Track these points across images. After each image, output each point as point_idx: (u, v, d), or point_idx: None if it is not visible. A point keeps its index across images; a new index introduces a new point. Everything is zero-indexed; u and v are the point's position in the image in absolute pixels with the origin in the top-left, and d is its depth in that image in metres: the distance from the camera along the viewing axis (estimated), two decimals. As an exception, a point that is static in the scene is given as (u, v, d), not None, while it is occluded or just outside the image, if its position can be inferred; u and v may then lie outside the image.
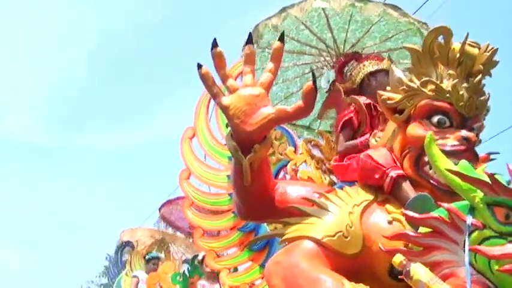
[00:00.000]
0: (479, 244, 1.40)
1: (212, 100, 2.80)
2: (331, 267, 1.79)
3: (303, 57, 3.09)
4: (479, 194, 1.44)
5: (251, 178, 1.87)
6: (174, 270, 5.76)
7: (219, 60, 1.80)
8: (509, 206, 1.38)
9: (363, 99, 2.54)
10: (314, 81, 1.75)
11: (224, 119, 2.77)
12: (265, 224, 2.54)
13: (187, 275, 5.53)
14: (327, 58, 2.99)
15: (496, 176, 1.40)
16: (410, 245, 1.61)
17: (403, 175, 1.95)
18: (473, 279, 1.39)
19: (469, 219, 1.43)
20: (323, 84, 2.76)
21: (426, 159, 1.91)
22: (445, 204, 1.51)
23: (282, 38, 1.82)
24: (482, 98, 1.92)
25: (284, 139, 2.58)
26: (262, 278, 2.55)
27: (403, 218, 1.86)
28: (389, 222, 1.87)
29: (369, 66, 2.65)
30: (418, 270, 1.45)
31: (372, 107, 2.49)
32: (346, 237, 1.83)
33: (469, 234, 1.41)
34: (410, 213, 1.59)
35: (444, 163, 1.53)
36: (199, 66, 1.79)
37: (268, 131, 1.89)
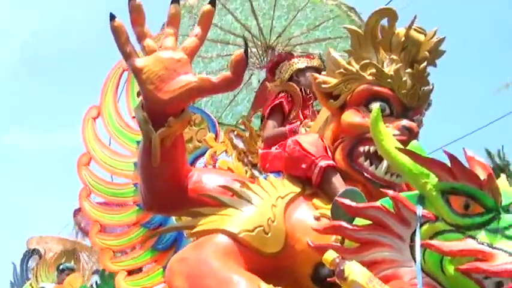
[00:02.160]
0: (430, 239, 1.17)
1: (122, 77, 2.51)
2: (247, 267, 1.51)
3: (228, 48, 2.88)
4: (432, 180, 1.21)
5: (161, 158, 1.58)
6: (82, 282, 5.25)
7: (137, 14, 1.53)
8: (470, 194, 1.15)
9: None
10: (246, 50, 1.50)
11: (136, 98, 2.43)
12: (173, 218, 2.22)
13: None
14: (253, 49, 2.79)
15: (456, 157, 1.18)
16: (346, 242, 1.37)
17: (334, 166, 1.73)
18: (422, 282, 1.16)
19: (419, 210, 1.19)
20: (254, 83, 2.57)
21: (361, 149, 1.71)
22: (390, 192, 1.28)
23: (213, 2, 1.56)
24: (426, 88, 1.75)
25: (204, 124, 2.29)
26: (165, 282, 2.21)
27: None
28: (317, 219, 1.63)
29: (298, 63, 2.55)
30: (354, 270, 1.19)
31: (304, 91, 2.29)
32: (267, 233, 1.56)
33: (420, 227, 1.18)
34: (347, 201, 1.34)
35: (391, 143, 1.30)
36: (112, 17, 1.51)
37: (187, 102, 1.60)
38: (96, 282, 5.30)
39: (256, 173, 2.26)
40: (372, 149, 1.69)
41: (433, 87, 1.77)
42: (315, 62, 2.54)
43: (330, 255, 1.28)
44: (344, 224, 1.32)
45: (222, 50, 2.89)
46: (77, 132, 2.46)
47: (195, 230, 1.60)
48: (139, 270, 2.39)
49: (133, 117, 2.28)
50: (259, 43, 2.79)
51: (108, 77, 2.50)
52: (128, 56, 1.51)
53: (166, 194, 1.75)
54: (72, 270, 6.50)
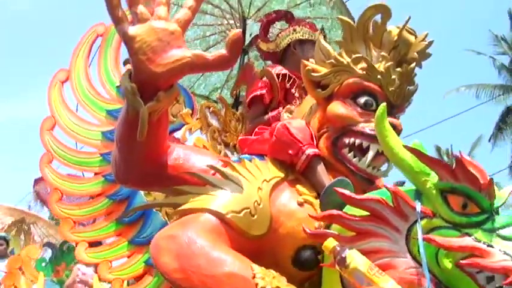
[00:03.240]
0: (427, 234, 1.24)
1: (97, 40, 2.40)
2: (232, 247, 1.52)
3: (204, 18, 2.80)
4: (432, 179, 1.28)
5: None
6: (38, 255, 5.01)
7: None
8: (469, 195, 1.24)
9: (277, 69, 2.30)
10: (243, 30, 1.48)
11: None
12: (141, 193, 2.17)
13: (53, 261, 4.87)
14: (231, 22, 2.72)
15: (463, 157, 1.25)
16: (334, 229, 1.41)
17: (319, 155, 1.77)
18: (416, 272, 1.23)
19: (419, 206, 1.26)
20: (247, 37, 2.46)
21: (346, 141, 1.76)
22: (390, 186, 1.33)
23: None
24: (411, 88, 1.83)
25: (180, 99, 2.23)
26: (129, 257, 2.17)
27: (314, 201, 1.69)
28: (300, 204, 1.67)
29: (300, 33, 2.39)
30: (356, 258, 1.24)
31: (288, 78, 2.27)
32: (253, 216, 1.58)
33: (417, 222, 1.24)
34: (347, 192, 1.38)
35: (396, 140, 1.36)
36: None
37: (178, 77, 1.57)
38: (55, 255, 5.11)
39: (229, 153, 2.26)
40: (356, 141, 1.74)
41: (417, 88, 1.85)
42: (317, 37, 2.32)
43: (331, 242, 1.32)
44: (342, 213, 1.36)
45: (198, 19, 2.77)
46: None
47: (181, 208, 1.59)
48: (99, 243, 2.33)
49: (118, 86, 2.19)
50: (237, 15, 2.67)
51: (81, 40, 2.38)
52: (118, 21, 1.45)
53: (145, 169, 1.71)
54: (3, 239, 6.18)
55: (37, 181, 6.32)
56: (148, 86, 1.48)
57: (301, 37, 2.40)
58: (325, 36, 2.43)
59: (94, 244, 2.25)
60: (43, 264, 4.90)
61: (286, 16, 2.53)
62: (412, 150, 1.30)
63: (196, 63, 1.48)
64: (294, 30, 2.42)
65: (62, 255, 4.96)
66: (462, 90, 14.31)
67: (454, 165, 1.25)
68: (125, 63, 2.23)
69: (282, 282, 1.40)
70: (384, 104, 1.45)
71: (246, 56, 2.79)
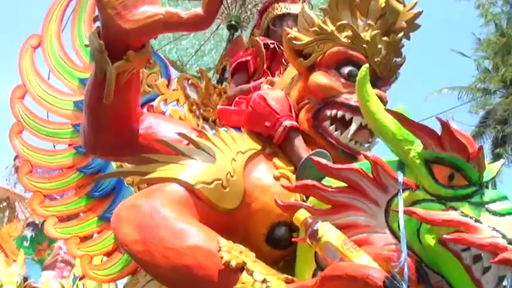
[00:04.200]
0: (409, 207, 1.14)
1: (71, 4, 2.27)
2: (200, 221, 1.42)
3: None
4: (416, 148, 1.18)
5: (114, 95, 1.43)
6: (20, 232, 4.92)
7: None
8: (456, 166, 1.13)
9: (265, 40, 2.21)
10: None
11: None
12: (113, 165, 2.07)
13: (35, 240, 4.76)
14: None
15: (450, 123, 1.15)
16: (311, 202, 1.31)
17: (297, 127, 1.67)
18: (395, 249, 1.13)
19: (401, 176, 1.16)
20: (222, 33, 2.39)
21: (328, 113, 1.66)
22: (370, 155, 1.23)
23: None
24: (398, 60, 1.72)
25: (156, 68, 2.11)
26: (99, 233, 2.07)
27: (291, 175, 1.59)
28: (276, 178, 1.57)
29: (277, 9, 2.33)
30: (328, 231, 1.14)
31: (276, 49, 2.18)
32: (225, 188, 1.48)
33: (397, 195, 1.14)
34: (323, 160, 1.28)
35: (378, 104, 1.25)
36: None
37: (150, 35, 1.48)
38: (35, 234, 5.02)
39: (207, 127, 2.15)
40: (339, 113, 1.65)
41: (404, 60, 1.75)
42: (296, 8, 2.32)
43: (302, 214, 1.22)
44: (317, 183, 1.26)
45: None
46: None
47: (147, 176, 1.49)
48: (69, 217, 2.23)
49: (87, 45, 2.08)
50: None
51: (53, 4, 2.25)
52: None
53: (115, 136, 1.62)
54: None
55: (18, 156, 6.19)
56: (118, 44, 1.39)
57: (278, 13, 2.35)
58: (310, 4, 2.35)
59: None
60: (24, 242, 4.83)
61: (277, 1, 2.44)
62: (395, 115, 1.19)
63: (169, 21, 1.39)
64: (272, 8, 2.37)
65: (43, 233, 4.89)
66: (444, 92, 14.12)
67: (440, 133, 1.15)
68: (94, 19, 2.11)
69: (250, 257, 1.30)
70: (366, 65, 1.35)
71: (235, 34, 2.71)
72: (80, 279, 4.13)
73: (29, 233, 5.41)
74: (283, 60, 2.20)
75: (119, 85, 1.44)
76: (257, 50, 2.20)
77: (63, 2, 2.24)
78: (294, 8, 2.32)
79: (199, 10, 1.40)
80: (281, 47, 2.22)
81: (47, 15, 2.25)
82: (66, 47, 2.25)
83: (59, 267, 4.96)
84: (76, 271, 4.20)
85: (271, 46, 2.22)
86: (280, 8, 2.34)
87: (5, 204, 6.51)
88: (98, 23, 1.46)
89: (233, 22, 2.66)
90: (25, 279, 4.13)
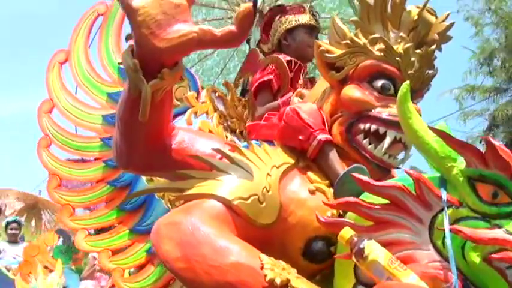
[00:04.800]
0: (452, 225, 1.14)
1: (98, 20, 2.29)
2: (238, 237, 1.42)
3: (213, 12, 2.70)
4: (459, 165, 1.18)
5: (149, 113, 1.44)
6: (55, 243, 4.93)
7: None
8: (499, 183, 1.13)
9: (282, 56, 2.22)
10: (254, 4, 1.39)
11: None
12: (143, 179, 2.08)
13: (71, 249, 4.78)
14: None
15: (492, 141, 1.14)
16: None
17: (331, 141, 1.68)
18: (440, 267, 1.13)
19: (445, 194, 1.16)
20: (252, 44, 2.39)
21: (361, 127, 1.67)
22: (413, 172, 1.23)
23: None
24: (431, 72, 1.72)
25: (185, 82, 2.12)
26: (131, 246, 2.08)
27: (327, 189, 1.59)
28: (312, 192, 1.57)
29: (286, 23, 2.30)
30: (375, 249, 1.14)
31: (293, 63, 2.18)
32: (261, 203, 1.48)
33: (441, 212, 1.14)
34: (365, 178, 1.28)
35: (420, 122, 1.25)
36: None
37: (184, 53, 1.49)
38: (73, 243, 5.01)
39: (235, 139, 2.16)
40: (372, 127, 1.65)
41: (436, 72, 1.75)
42: (304, 18, 2.30)
43: (347, 233, 1.22)
44: (359, 200, 1.26)
45: (208, 14, 2.71)
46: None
47: (185, 193, 1.50)
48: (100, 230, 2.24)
49: (120, 63, 2.09)
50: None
51: (80, 20, 2.27)
52: None
53: (148, 152, 1.63)
54: (16, 223, 6.08)
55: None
56: (152, 62, 1.39)
57: (288, 26, 2.31)
58: (314, 14, 2.34)
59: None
60: (61, 252, 4.84)
61: (280, 10, 2.42)
62: (438, 133, 1.19)
63: (203, 39, 1.39)
64: (280, 22, 2.33)
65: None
66: (456, 92, 13.98)
67: (484, 151, 1.15)
68: (127, 38, 2.12)
69: (292, 274, 1.31)
70: (407, 82, 1.34)
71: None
72: None
73: (60, 241, 5.41)
74: (302, 75, 2.21)
75: (153, 103, 1.45)
76: (279, 67, 2.20)
77: (90, 18, 2.26)
78: (303, 19, 2.31)
79: (232, 27, 1.40)
80: (298, 62, 2.23)
81: (74, 30, 2.27)
82: (94, 62, 2.26)
83: (97, 277, 4.98)
84: (114, 282, 4.22)
85: (288, 60, 2.20)
86: (289, 21, 2.31)
87: (33, 211, 6.52)
88: (131, 42, 1.47)
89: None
90: (64, 288, 4.16)
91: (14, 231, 6.00)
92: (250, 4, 1.38)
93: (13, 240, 5.98)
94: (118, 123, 1.62)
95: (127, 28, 1.43)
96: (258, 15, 2.43)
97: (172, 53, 1.40)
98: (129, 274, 2.14)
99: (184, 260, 1.32)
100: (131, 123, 1.54)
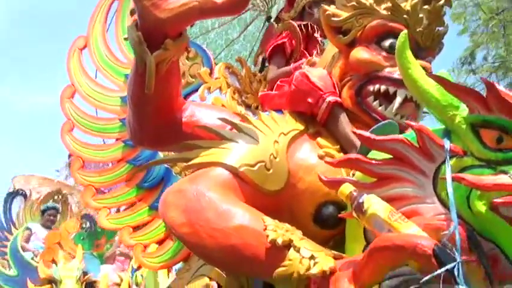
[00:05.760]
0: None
1: (112, 7, 2.34)
2: (246, 203, 1.42)
3: None
4: (462, 113, 1.12)
5: (155, 85, 1.45)
6: (77, 228, 5.10)
7: None
8: (504, 128, 1.06)
9: (297, 22, 2.20)
10: None
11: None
12: (161, 154, 2.11)
13: (93, 235, 4.93)
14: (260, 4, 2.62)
15: (494, 83, 1.09)
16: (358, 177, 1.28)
17: (341, 103, 1.64)
18: (445, 218, 1.08)
19: (448, 144, 1.11)
20: (273, 14, 2.39)
21: (371, 88, 1.63)
22: (415, 124, 1.19)
23: None
24: (441, 29, 1.66)
25: (198, 59, 2.14)
26: (151, 222, 2.12)
27: (337, 154, 1.56)
28: (321, 157, 1.54)
29: None
30: (374, 203, 1.11)
31: (310, 28, 2.16)
32: (268, 170, 1.47)
33: (445, 162, 1.10)
34: (365, 133, 1.25)
35: (419, 71, 1.21)
36: None
37: (187, 23, 1.48)
38: (95, 229, 5.15)
39: (250, 114, 2.15)
40: (382, 88, 1.61)
41: (447, 29, 1.69)
42: None
43: (346, 188, 1.19)
44: (361, 157, 1.23)
45: None
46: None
47: (191, 162, 1.50)
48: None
49: (126, 38, 2.13)
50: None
51: (97, 6, 2.32)
52: None
53: (159, 126, 1.65)
54: (55, 210, 6.28)
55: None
56: (155, 34, 1.40)
57: None
58: None
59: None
60: (82, 238, 4.97)
61: None
62: (438, 79, 1.14)
63: (204, 7, 1.39)
64: None
65: (102, 228, 5.03)
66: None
67: (486, 95, 1.09)
68: (131, 13, 2.15)
69: (296, 235, 1.29)
70: (405, 31, 1.29)
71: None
72: (137, 270, 4.23)
73: (85, 225, 5.54)
74: (319, 41, 2.18)
75: (159, 75, 1.46)
76: (292, 32, 2.18)
77: (106, 3, 2.31)
78: None
79: None
80: (315, 27, 2.19)
81: (92, 16, 2.32)
82: (111, 46, 2.31)
83: (118, 260, 5.09)
84: (134, 263, 4.30)
85: (305, 27, 2.18)
86: None
87: (58, 197, 6.68)
88: (135, 16, 1.49)
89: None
90: (84, 273, 4.27)
91: (52, 218, 6.18)
92: None
93: (47, 225, 6.14)
94: (129, 99, 1.65)
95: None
96: None
97: (174, 23, 1.41)
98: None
99: (189, 225, 1.33)
100: (140, 98, 1.56)
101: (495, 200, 1.02)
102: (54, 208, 6.29)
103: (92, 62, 2.32)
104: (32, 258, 4.77)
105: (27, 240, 5.78)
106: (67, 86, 2.32)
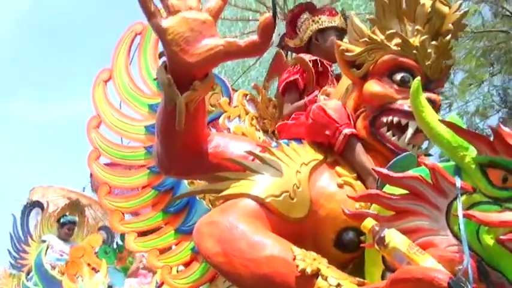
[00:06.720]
0: (467, 210, 1.20)
1: (136, 38, 2.46)
2: (272, 231, 1.54)
3: (249, 24, 2.82)
4: (471, 153, 1.25)
5: (184, 122, 1.56)
6: (102, 242, 5.16)
7: None
8: (508, 168, 1.19)
9: (307, 57, 2.31)
10: (274, 14, 1.48)
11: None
12: (185, 182, 2.22)
13: (116, 249, 5.02)
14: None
15: (502, 129, 1.21)
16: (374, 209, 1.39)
17: (357, 135, 1.76)
18: (457, 250, 1.20)
19: (459, 181, 1.23)
20: (275, 38, 2.49)
21: (384, 120, 1.74)
22: (428, 162, 1.31)
23: None
24: (448, 61, 1.77)
25: (218, 89, 2.26)
26: (177, 244, 2.23)
27: (355, 182, 1.67)
28: (340, 186, 1.66)
29: (318, 23, 2.40)
30: (395, 237, 1.23)
31: (319, 63, 2.27)
32: (293, 199, 1.59)
33: (456, 199, 1.22)
34: (384, 170, 1.36)
35: (432, 114, 1.33)
36: None
37: (213, 65, 1.59)
38: (117, 243, 5.20)
39: (268, 139, 2.27)
40: (394, 119, 1.72)
41: (454, 61, 1.80)
42: (337, 21, 2.41)
43: (369, 222, 1.31)
44: (380, 192, 1.35)
45: (244, 28, 2.82)
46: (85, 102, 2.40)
47: (222, 194, 1.62)
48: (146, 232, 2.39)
49: (155, 79, 2.25)
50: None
51: (120, 40, 2.43)
52: (151, 15, 1.47)
53: (186, 158, 1.75)
54: (73, 223, 6.32)
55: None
56: (184, 76, 1.50)
57: (320, 26, 2.41)
58: (345, 18, 2.41)
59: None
60: (105, 252, 5.04)
61: (308, 7, 2.52)
62: (449, 125, 1.26)
63: (229, 50, 1.48)
64: (313, 21, 2.42)
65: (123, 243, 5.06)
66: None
67: (492, 139, 1.21)
68: (160, 56, 2.28)
69: (323, 263, 1.40)
70: (418, 78, 1.41)
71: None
72: (160, 286, 4.31)
73: (104, 237, 5.57)
74: (329, 74, 2.29)
75: (188, 112, 1.56)
76: (304, 67, 2.29)
77: (129, 37, 2.42)
78: (336, 21, 2.40)
79: (254, 37, 1.50)
80: (325, 62, 2.31)
81: (115, 50, 2.43)
82: (135, 77, 2.43)
83: (141, 274, 5.17)
84: (158, 278, 4.37)
85: (313, 60, 2.30)
86: (322, 21, 2.40)
87: (76, 207, 6.71)
88: (164, 58, 1.60)
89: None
90: (109, 287, 4.35)
91: (69, 232, 6.26)
92: (270, 14, 1.49)
93: (64, 238, 6.21)
94: (157, 133, 1.76)
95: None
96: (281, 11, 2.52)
97: (202, 66, 1.50)
98: (177, 271, 2.28)
99: (224, 254, 1.45)
100: (169, 133, 1.67)
101: (501, 237, 1.14)
102: (73, 222, 6.34)
103: (116, 93, 2.43)
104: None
105: (44, 252, 5.88)
106: (93, 117, 2.43)
